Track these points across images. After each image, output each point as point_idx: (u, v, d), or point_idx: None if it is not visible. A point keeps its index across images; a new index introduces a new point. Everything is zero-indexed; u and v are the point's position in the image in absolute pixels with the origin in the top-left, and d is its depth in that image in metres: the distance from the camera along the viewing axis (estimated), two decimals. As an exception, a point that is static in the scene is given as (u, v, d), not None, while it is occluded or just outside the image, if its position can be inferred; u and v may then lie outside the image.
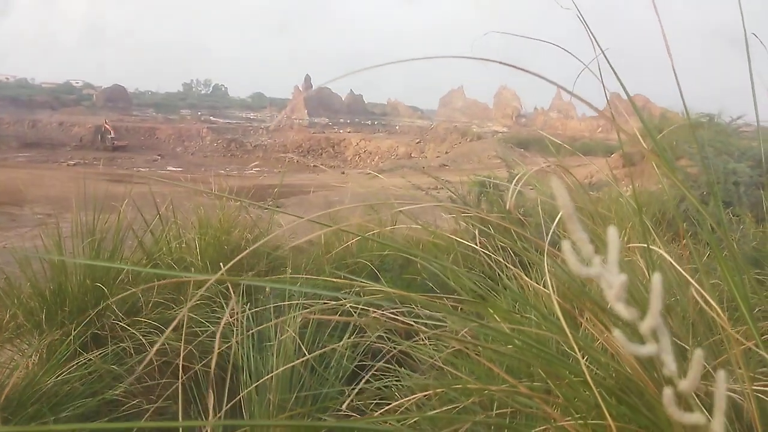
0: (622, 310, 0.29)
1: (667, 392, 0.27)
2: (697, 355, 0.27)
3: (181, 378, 1.17)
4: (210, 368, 1.93)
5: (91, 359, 1.97)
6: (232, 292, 1.99)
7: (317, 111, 70.23)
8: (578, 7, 1.16)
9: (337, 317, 1.40)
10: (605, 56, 0.96)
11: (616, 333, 0.29)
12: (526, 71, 0.76)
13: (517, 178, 1.48)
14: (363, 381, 1.75)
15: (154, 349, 1.54)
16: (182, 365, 2.17)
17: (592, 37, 0.94)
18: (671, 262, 0.89)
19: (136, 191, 3.11)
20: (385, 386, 1.63)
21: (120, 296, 2.17)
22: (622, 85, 1.02)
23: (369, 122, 71.34)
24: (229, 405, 1.40)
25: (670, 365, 0.28)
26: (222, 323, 1.25)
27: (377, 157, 48.31)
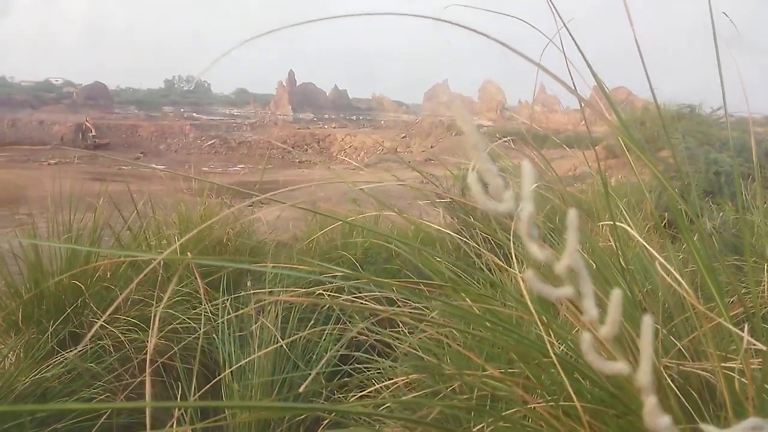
0: (534, 249, 0.28)
1: (586, 337, 0.26)
2: (615, 296, 0.26)
3: (146, 369, 1.15)
4: (191, 364, 1.92)
5: (68, 358, 1.93)
6: (200, 290, 1.97)
7: (302, 107, 69.82)
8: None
9: (313, 299, 1.38)
10: (581, 49, 0.95)
11: (528, 273, 0.27)
12: (492, 39, 0.75)
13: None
14: (344, 374, 1.74)
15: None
16: (163, 363, 2.16)
17: (556, 13, 0.93)
18: (638, 238, 0.89)
19: (116, 189, 3.07)
20: (366, 378, 1.62)
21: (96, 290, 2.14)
22: (594, 75, 1.01)
23: (354, 117, 71.08)
24: (205, 388, 1.38)
25: (589, 310, 0.27)
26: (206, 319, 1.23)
27: (363, 152, 48.17)
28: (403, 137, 51.78)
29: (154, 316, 0.92)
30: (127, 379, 2.03)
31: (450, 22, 0.74)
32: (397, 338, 1.35)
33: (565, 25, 1.07)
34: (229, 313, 2.01)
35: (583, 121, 1.54)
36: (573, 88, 1.03)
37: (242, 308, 2.09)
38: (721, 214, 3.42)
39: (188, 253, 2.44)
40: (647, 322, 0.25)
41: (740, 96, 1.31)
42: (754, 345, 0.72)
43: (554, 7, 1.09)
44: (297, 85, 72.19)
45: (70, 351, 1.97)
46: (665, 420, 0.24)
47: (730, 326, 0.70)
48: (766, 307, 1.20)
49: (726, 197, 4.97)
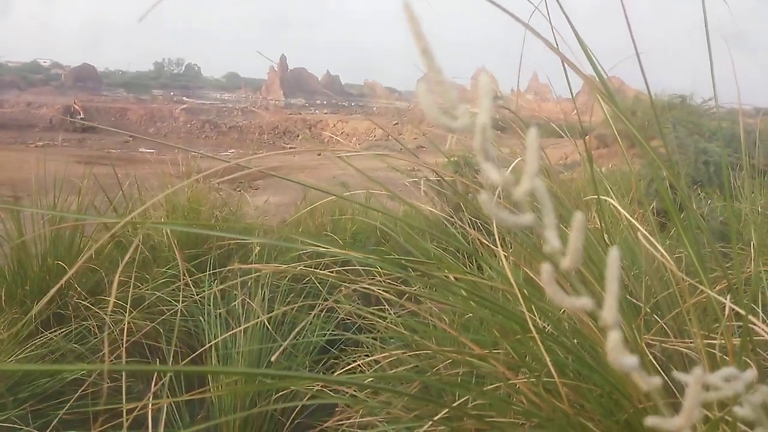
0: (490, 170, 0.26)
1: (546, 268, 0.25)
2: (577, 221, 0.25)
3: (130, 350, 1.14)
4: (177, 347, 1.90)
5: (52, 338, 1.92)
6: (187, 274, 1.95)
7: (293, 92, 69.34)
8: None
9: (300, 269, 1.37)
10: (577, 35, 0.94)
11: (482, 196, 0.25)
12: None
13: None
14: (331, 356, 1.74)
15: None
16: (149, 344, 2.15)
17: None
18: (618, 209, 0.89)
19: (103, 172, 3.03)
20: (353, 360, 1.62)
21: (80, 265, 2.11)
22: (592, 62, 1.00)
23: (346, 103, 70.69)
24: (186, 361, 1.38)
25: (552, 240, 0.25)
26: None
27: (354, 139, 47.96)
28: (395, 124, 51.54)
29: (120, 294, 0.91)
30: (112, 360, 2.02)
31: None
32: (382, 317, 1.34)
33: (565, 14, 1.05)
34: (214, 295, 1.99)
35: (575, 110, 1.53)
36: (571, 65, 1.01)
37: (228, 291, 2.08)
38: (708, 202, 3.44)
39: (167, 232, 2.42)
40: (614, 254, 0.24)
41: (732, 87, 1.31)
42: (736, 314, 0.72)
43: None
44: (289, 70, 71.64)
45: (54, 331, 1.95)
46: (631, 359, 0.23)
47: (713, 294, 0.70)
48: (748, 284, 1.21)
49: (714, 186, 5.00)
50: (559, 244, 0.25)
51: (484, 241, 1.13)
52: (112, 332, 2.06)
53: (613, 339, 0.23)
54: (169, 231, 2.75)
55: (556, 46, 0.99)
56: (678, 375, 0.24)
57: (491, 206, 0.24)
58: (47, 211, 2.35)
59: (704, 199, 3.69)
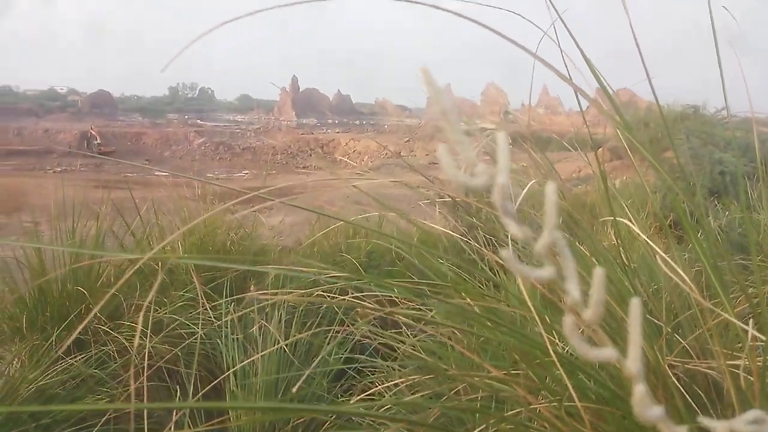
0: (511, 225, 0.26)
1: (568, 321, 0.25)
2: (598, 276, 0.25)
3: (150, 374, 1.15)
4: (195, 370, 1.91)
5: (73, 363, 1.93)
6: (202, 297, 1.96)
7: (305, 112, 70.02)
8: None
9: (315, 298, 1.37)
10: (580, 47, 0.95)
11: (503, 253, 0.26)
12: (495, 32, 0.74)
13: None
14: (349, 378, 1.73)
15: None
16: (167, 368, 2.16)
17: (555, 12, 0.92)
18: (638, 232, 0.88)
19: (121, 196, 3.07)
20: (370, 382, 1.62)
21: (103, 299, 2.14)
22: (597, 76, 1.01)
23: (357, 122, 71.18)
24: (205, 390, 1.38)
25: (572, 292, 0.25)
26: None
27: (366, 157, 48.25)
28: (406, 141, 51.84)
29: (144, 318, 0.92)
30: (132, 385, 2.03)
31: (455, 13, 0.74)
32: (400, 340, 1.34)
33: (566, 26, 1.06)
34: (231, 317, 2.00)
35: (585, 125, 1.53)
36: (576, 89, 1.02)
37: (245, 313, 2.09)
38: (726, 213, 3.39)
39: (178, 253, 2.44)
40: (635, 303, 0.24)
41: (744, 96, 1.30)
42: (760, 339, 0.71)
43: (554, 7, 1.08)
44: (300, 90, 72.42)
45: (74, 357, 1.97)
46: (657, 410, 0.23)
47: (735, 320, 0.69)
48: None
49: (731, 197, 4.93)
50: (580, 296, 0.25)
51: (500, 261, 1.13)
52: (131, 357, 2.08)
53: (639, 392, 0.23)
54: (184, 252, 2.78)
55: (564, 66, 1.00)
56: (703, 421, 0.24)
57: (513, 262, 0.24)
58: (70, 248, 2.39)
59: (722, 210, 3.65)
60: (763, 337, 0.71)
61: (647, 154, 1.01)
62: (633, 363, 0.23)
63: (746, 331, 0.71)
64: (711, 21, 1.11)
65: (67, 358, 1.97)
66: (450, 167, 0.26)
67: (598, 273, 0.25)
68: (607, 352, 0.24)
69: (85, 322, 1.31)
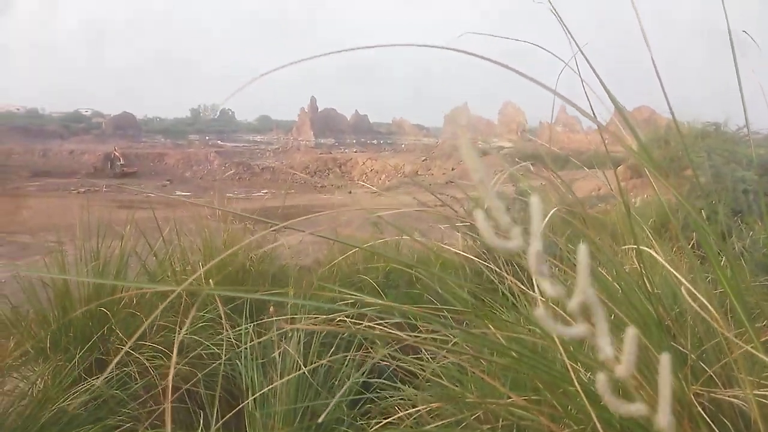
0: (545, 286, 0.27)
1: (601, 378, 0.25)
2: (630, 335, 0.25)
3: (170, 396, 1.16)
4: (215, 391, 1.92)
5: (94, 384, 1.95)
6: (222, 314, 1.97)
7: (323, 132, 70.74)
8: (574, 12, 1.16)
9: (334, 327, 1.38)
10: (590, 65, 0.95)
11: (538, 312, 0.26)
12: (512, 69, 0.75)
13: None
14: (367, 401, 1.72)
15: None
16: (187, 389, 2.17)
17: (570, 37, 0.93)
18: (662, 262, 0.87)
19: (143, 216, 3.13)
20: (389, 406, 1.61)
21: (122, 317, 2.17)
22: (611, 96, 1.01)
23: (375, 141, 71.69)
24: (228, 416, 1.38)
25: (605, 349, 0.26)
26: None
27: (384, 176, 48.49)
28: (423, 160, 52.04)
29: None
30: (152, 406, 2.04)
31: (467, 53, 0.75)
32: (420, 365, 1.33)
33: (580, 49, 1.07)
34: (251, 340, 2.01)
35: (604, 143, 1.52)
36: (591, 109, 1.02)
37: (265, 334, 2.09)
38: (750, 233, 3.33)
39: (210, 281, 2.47)
40: (665, 360, 0.24)
41: (765, 113, 1.29)
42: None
43: (569, 31, 1.09)
44: (318, 111, 73.29)
45: (97, 378, 1.99)
46: None
47: (761, 355, 0.68)
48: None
49: (755, 216, 4.83)
50: (612, 353, 0.26)
51: (521, 286, 1.13)
52: (151, 378, 2.09)
53: (665, 422, 0.23)
54: (203, 272, 2.81)
55: (584, 92, 1.00)
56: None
57: (548, 322, 0.25)
58: (97, 280, 2.43)
59: (745, 230, 3.58)
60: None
61: (660, 176, 1.01)
62: (663, 418, 0.24)
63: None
64: (729, 38, 1.11)
65: (90, 379, 1.99)
66: (488, 233, 0.27)
67: (630, 333, 0.25)
68: (637, 407, 0.24)
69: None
